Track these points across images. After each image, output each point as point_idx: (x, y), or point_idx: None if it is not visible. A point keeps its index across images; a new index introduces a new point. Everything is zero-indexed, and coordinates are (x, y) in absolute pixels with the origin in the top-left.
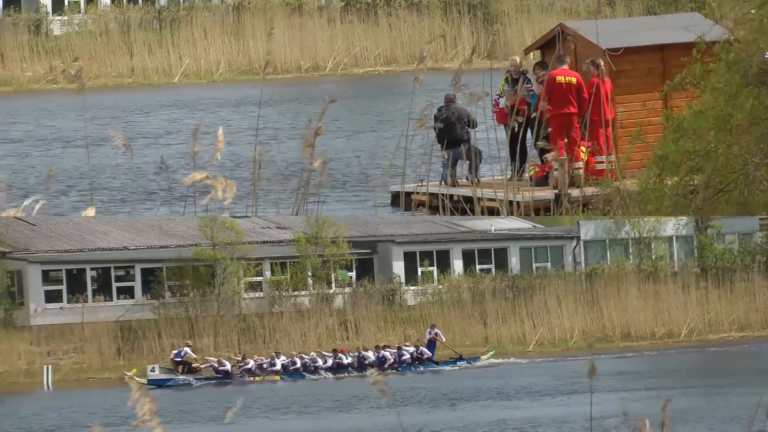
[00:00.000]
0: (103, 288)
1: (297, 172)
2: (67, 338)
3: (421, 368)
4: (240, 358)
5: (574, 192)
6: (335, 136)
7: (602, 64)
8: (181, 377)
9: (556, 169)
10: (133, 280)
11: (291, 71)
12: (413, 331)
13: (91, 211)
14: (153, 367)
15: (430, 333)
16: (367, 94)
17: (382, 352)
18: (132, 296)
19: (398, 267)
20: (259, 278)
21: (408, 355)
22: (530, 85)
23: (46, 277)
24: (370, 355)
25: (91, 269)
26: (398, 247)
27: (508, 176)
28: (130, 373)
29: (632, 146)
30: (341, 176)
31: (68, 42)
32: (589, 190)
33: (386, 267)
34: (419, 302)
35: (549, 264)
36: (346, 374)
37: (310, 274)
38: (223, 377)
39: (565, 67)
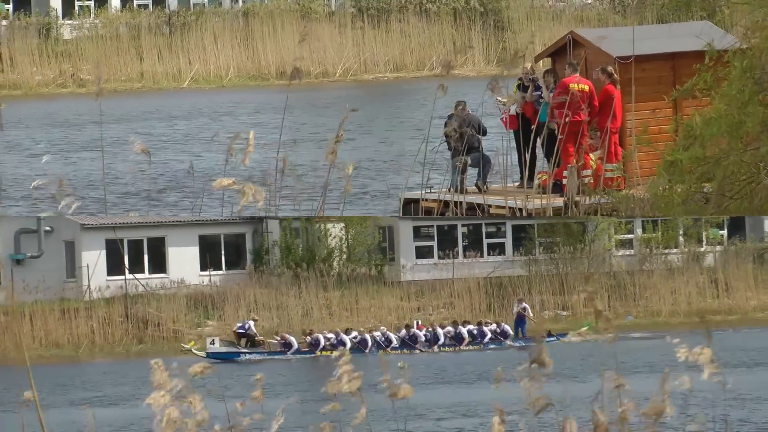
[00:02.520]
0: (473, 244)
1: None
2: (437, 294)
3: (509, 343)
4: (308, 334)
5: (584, 200)
6: (353, 144)
7: (614, 71)
8: (246, 351)
9: (565, 177)
10: (504, 237)
11: (301, 77)
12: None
13: None
14: (213, 340)
15: (517, 307)
16: (379, 100)
17: (460, 328)
18: (503, 253)
19: None
20: (630, 236)
21: (489, 333)
22: (540, 92)
23: (417, 233)
24: (440, 332)
25: (462, 225)
26: None
27: (517, 184)
28: (188, 345)
29: (635, 149)
30: (359, 184)
31: (78, 46)
32: (599, 198)
33: (758, 226)
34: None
35: (206, 1)
36: (419, 350)
37: (681, 232)
38: (292, 351)
39: (577, 74)
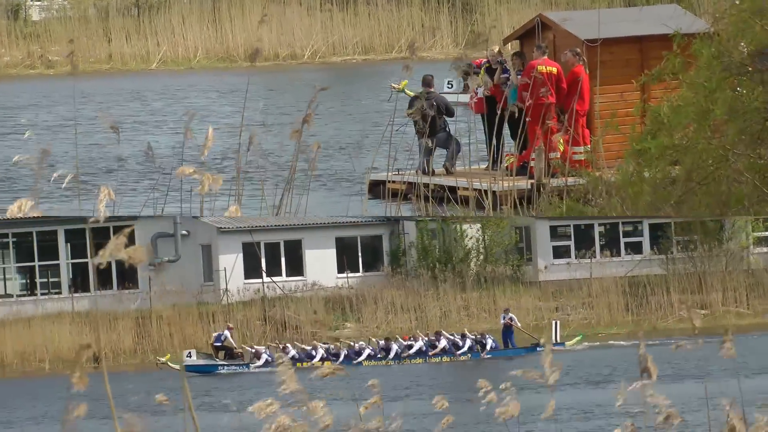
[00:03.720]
0: (610, 243)
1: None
2: (575, 293)
3: (489, 355)
4: (281, 347)
5: (552, 182)
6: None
7: (582, 53)
8: (221, 363)
9: (533, 159)
10: (641, 236)
11: (269, 59)
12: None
13: None
14: (189, 353)
15: (504, 318)
16: (346, 82)
17: (442, 338)
18: (640, 251)
19: None
20: (767, 233)
21: (469, 343)
22: (507, 74)
23: (554, 233)
24: (419, 342)
25: (599, 224)
26: None
27: (485, 166)
28: (163, 359)
29: (602, 135)
30: (325, 166)
31: (47, 27)
32: (569, 180)
33: None
34: (43, 18)
35: None
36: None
37: None
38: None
39: (545, 57)
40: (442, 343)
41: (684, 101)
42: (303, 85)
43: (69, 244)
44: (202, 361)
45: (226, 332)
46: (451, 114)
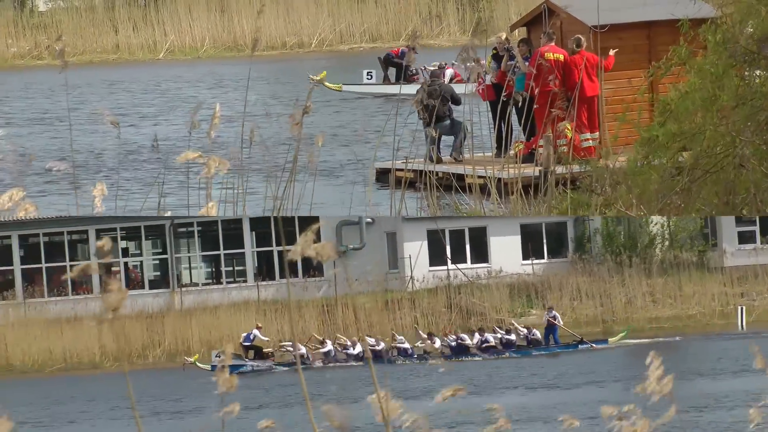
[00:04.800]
0: None
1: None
2: (760, 280)
3: (536, 352)
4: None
5: (560, 169)
6: (323, 114)
7: (583, 40)
8: (251, 363)
9: (541, 146)
10: None
11: (276, 48)
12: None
13: None
14: (218, 353)
15: (548, 315)
16: (352, 69)
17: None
18: None
19: None
20: None
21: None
22: (514, 61)
23: (739, 219)
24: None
25: None
26: None
27: (492, 154)
28: (191, 359)
29: (619, 125)
30: (328, 154)
31: (53, 18)
32: (576, 168)
33: None
34: (50, 8)
35: None
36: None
37: None
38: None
39: (553, 43)
40: (489, 340)
41: (691, 87)
42: (308, 72)
43: (254, 233)
44: (230, 362)
45: (255, 331)
46: (457, 102)
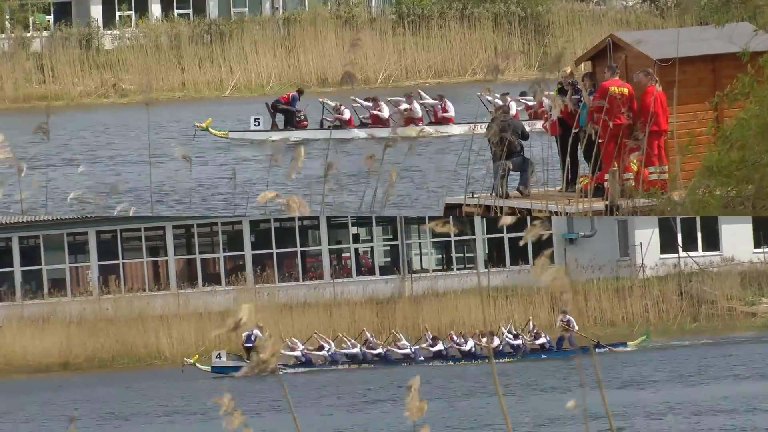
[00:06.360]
0: None
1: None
2: None
3: (545, 356)
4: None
5: (626, 203)
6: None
7: (654, 74)
8: (244, 364)
9: (607, 181)
10: None
11: (353, 81)
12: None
13: None
14: (219, 353)
15: (561, 320)
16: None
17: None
18: None
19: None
20: None
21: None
22: (579, 96)
23: None
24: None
25: None
26: None
27: (559, 188)
28: (190, 360)
29: (684, 158)
30: (400, 188)
31: (119, 56)
32: (641, 201)
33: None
34: (116, 47)
35: (247, 9)
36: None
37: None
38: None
39: (617, 77)
40: (495, 342)
41: (747, 115)
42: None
43: (485, 219)
44: (230, 363)
45: (256, 331)
46: (525, 138)
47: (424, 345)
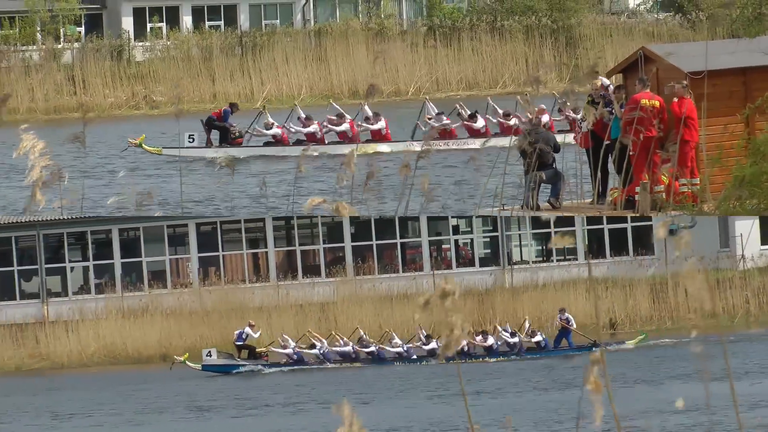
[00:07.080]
0: None
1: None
2: None
3: (538, 355)
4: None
5: (656, 215)
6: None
7: (687, 85)
8: (242, 363)
9: (637, 193)
10: None
11: (375, 94)
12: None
13: None
14: (209, 351)
15: (560, 319)
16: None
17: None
18: None
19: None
20: None
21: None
22: (610, 108)
23: None
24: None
25: None
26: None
27: (590, 200)
28: (180, 358)
29: (712, 169)
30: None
31: (150, 68)
32: (672, 214)
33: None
34: (147, 58)
35: (278, 21)
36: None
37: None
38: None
39: (648, 90)
40: (490, 341)
41: None
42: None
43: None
44: (221, 361)
45: (248, 329)
46: (557, 150)
47: (417, 343)
